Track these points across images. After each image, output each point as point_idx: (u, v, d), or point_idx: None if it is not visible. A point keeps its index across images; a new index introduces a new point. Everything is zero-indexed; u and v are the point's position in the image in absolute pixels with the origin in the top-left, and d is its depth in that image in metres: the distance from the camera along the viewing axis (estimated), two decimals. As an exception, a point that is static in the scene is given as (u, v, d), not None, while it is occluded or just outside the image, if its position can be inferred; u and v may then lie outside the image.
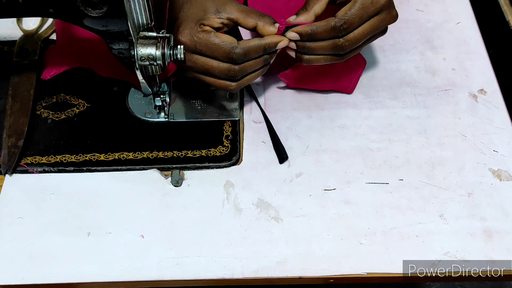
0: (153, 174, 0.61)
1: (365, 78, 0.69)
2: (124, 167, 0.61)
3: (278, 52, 0.59)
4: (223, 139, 0.63)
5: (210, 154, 0.62)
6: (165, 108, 0.65)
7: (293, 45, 0.59)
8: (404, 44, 0.73)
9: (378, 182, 0.60)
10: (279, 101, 0.67)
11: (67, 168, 0.61)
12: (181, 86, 0.67)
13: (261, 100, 0.67)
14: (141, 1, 0.52)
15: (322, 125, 0.65)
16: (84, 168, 0.61)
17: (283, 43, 0.58)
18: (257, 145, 0.63)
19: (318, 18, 0.59)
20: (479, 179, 0.60)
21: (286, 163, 0.62)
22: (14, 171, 0.60)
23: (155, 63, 0.55)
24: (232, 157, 0.62)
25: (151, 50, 0.54)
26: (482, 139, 0.63)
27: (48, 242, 0.56)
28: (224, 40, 0.56)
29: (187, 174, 0.61)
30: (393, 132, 0.64)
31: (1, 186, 0.59)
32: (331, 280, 0.54)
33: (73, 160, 0.61)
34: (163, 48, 0.55)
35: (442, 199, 0.59)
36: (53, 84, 0.67)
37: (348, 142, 0.63)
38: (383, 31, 0.61)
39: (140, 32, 0.55)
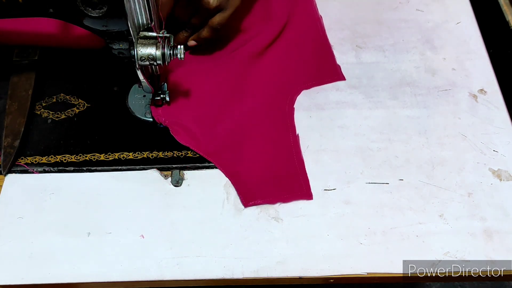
0: (153, 174, 0.61)
1: (365, 78, 0.69)
2: (124, 167, 0.61)
3: None
4: (223, 139, 0.63)
5: (210, 154, 0.62)
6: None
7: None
8: (404, 44, 0.73)
9: (378, 182, 0.60)
10: (279, 101, 0.67)
11: (67, 168, 0.61)
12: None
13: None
14: (141, 1, 0.52)
15: (322, 125, 0.65)
16: (84, 168, 0.61)
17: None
18: (257, 145, 0.63)
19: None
20: (479, 179, 0.60)
21: (286, 163, 0.61)
22: (10, 171, 0.60)
23: (155, 63, 0.55)
24: (232, 157, 0.62)
25: (151, 50, 0.54)
26: (482, 139, 0.63)
27: (48, 242, 0.55)
28: None
29: (187, 174, 0.61)
30: (393, 132, 0.64)
31: (1, 186, 0.59)
32: (331, 280, 0.54)
33: (73, 160, 0.61)
34: (163, 48, 0.54)
35: (442, 199, 0.59)
36: (53, 84, 0.67)
37: (348, 142, 0.63)
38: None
39: (140, 32, 0.55)
